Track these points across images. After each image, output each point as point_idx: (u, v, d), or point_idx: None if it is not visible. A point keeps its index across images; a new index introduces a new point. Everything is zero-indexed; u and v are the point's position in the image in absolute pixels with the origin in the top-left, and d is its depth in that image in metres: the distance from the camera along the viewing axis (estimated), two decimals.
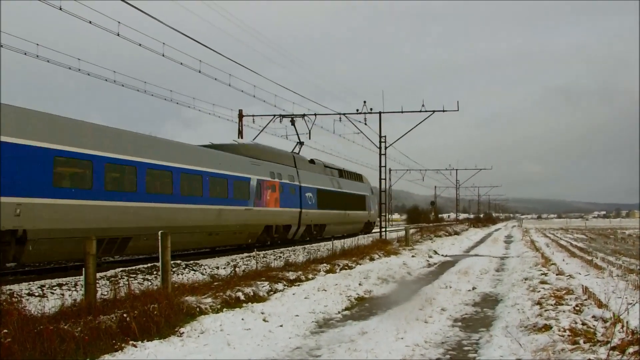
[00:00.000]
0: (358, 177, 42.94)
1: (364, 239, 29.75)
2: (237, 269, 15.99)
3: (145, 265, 16.34)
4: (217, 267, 17.17)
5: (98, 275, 11.12)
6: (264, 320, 9.78)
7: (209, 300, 10.56)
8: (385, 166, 36.54)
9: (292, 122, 35.08)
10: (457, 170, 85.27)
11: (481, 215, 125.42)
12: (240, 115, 44.26)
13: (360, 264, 19.19)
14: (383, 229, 36.20)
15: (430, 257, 24.55)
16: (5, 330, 7.02)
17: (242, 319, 9.62)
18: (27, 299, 10.72)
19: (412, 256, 23.45)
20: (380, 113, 34.89)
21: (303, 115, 34.57)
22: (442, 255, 26.57)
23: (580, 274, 17.11)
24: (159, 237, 10.92)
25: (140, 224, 17.41)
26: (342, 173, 39.49)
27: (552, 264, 19.19)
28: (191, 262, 17.86)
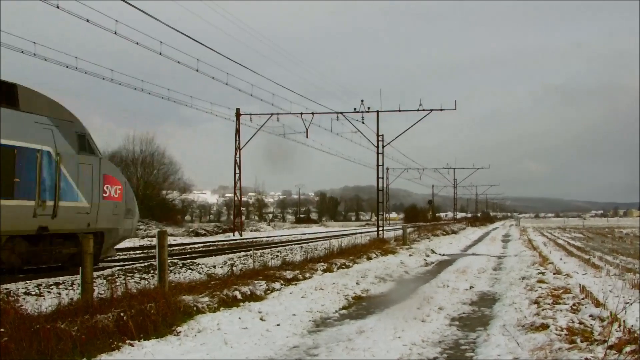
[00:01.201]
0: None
1: (361, 238, 29.67)
2: (234, 268, 15.97)
3: (142, 264, 16.33)
4: (214, 266, 17.16)
5: (95, 274, 11.09)
6: (262, 319, 9.76)
7: (206, 299, 10.54)
8: (382, 165, 36.59)
9: None
10: (454, 169, 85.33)
11: (479, 214, 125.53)
12: (238, 114, 44.30)
13: (357, 263, 19.18)
14: (380, 228, 36.21)
15: (428, 256, 24.56)
16: (2, 329, 6.99)
17: (240, 318, 9.61)
18: (24, 298, 10.70)
19: (410, 255, 23.45)
20: (377, 112, 34.95)
21: None
22: (440, 254, 26.58)
23: (577, 273, 17.12)
24: (157, 236, 10.90)
25: None
26: None
27: (550, 263, 19.22)
28: (188, 261, 17.85)
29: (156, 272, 11.36)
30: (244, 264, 17.91)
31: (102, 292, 10.49)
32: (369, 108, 34.84)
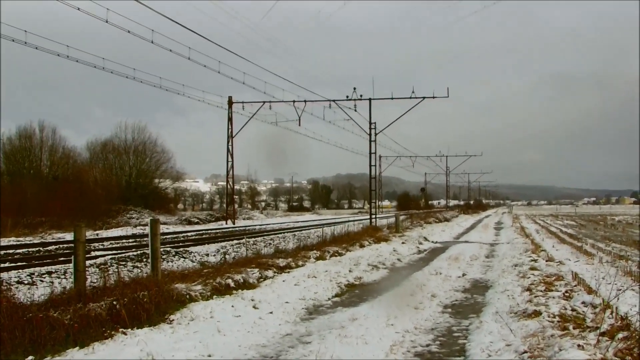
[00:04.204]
0: None
1: (354, 226, 29.72)
2: (227, 256, 15.97)
3: (135, 253, 16.29)
4: (207, 254, 17.15)
5: (87, 262, 11.06)
6: (254, 307, 9.77)
7: (199, 287, 10.53)
8: (375, 153, 36.61)
9: None
10: (447, 156, 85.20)
11: (471, 202, 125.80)
12: (230, 102, 44.15)
13: (350, 251, 19.21)
14: (373, 216, 36.26)
15: (421, 243, 24.61)
16: None
17: (232, 306, 9.61)
18: (16, 287, 10.66)
19: (403, 243, 23.50)
20: (370, 99, 34.92)
21: None
22: (433, 241, 26.64)
23: (570, 260, 17.19)
24: (149, 224, 10.86)
25: None
26: None
27: (542, 250, 19.28)
28: (181, 249, 17.82)
29: (149, 260, 11.33)
30: (236, 252, 17.90)
31: (95, 280, 10.47)
32: (361, 96, 34.81)
